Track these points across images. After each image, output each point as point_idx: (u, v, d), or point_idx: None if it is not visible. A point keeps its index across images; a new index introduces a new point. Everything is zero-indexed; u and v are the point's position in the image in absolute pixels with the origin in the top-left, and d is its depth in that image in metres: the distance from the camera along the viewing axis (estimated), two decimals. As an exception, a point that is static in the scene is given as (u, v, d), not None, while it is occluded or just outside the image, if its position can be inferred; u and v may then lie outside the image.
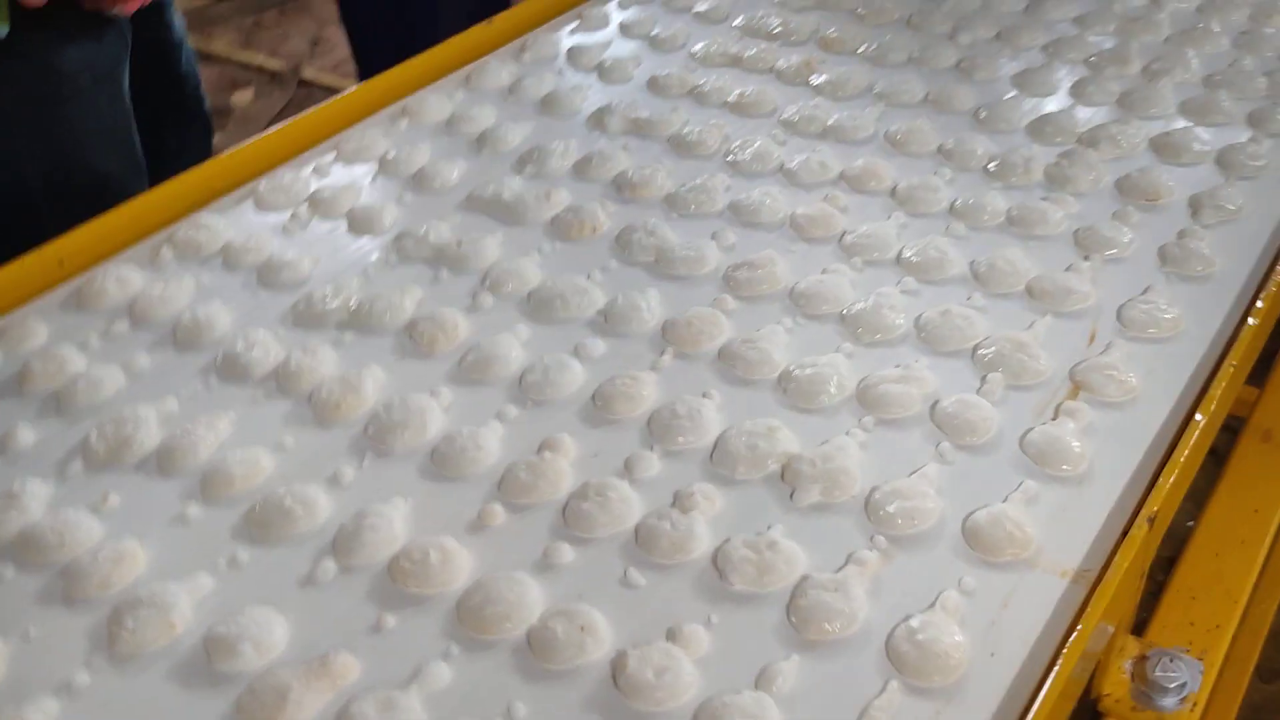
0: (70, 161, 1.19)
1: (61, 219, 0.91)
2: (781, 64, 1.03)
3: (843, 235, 0.80)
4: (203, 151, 1.35)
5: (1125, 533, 0.55)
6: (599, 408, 0.67)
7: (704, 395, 0.67)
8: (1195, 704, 0.58)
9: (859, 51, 1.05)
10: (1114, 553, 0.54)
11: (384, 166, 0.92)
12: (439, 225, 0.83)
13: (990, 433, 0.64)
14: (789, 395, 0.67)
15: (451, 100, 1.01)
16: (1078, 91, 0.97)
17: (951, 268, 0.76)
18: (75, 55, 1.17)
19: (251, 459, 0.64)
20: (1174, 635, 0.62)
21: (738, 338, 0.71)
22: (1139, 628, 0.64)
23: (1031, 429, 0.64)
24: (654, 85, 1.02)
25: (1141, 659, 0.55)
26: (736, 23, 1.12)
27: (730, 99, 0.98)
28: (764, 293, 0.75)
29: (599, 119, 0.96)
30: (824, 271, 0.77)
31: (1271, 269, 0.74)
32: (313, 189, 0.90)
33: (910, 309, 0.73)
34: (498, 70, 1.05)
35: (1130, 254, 0.77)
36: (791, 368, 0.68)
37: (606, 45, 1.09)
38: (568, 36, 1.12)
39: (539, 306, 0.75)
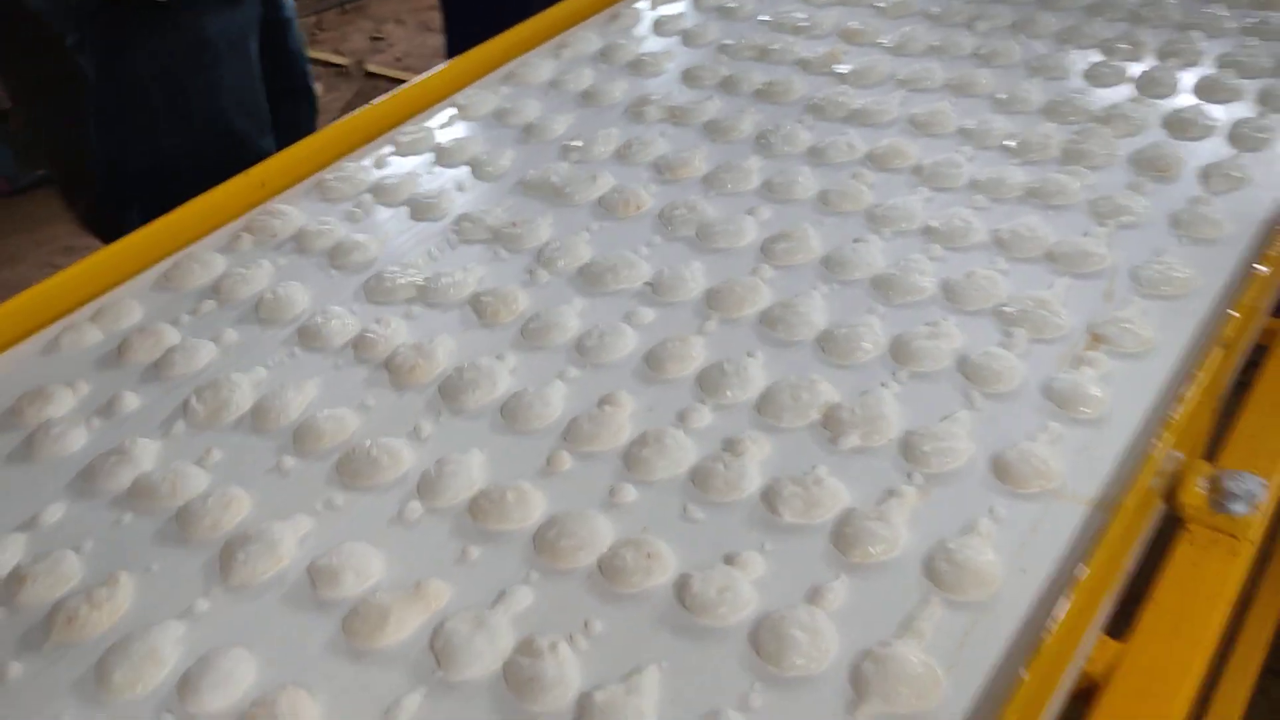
0: (206, 125, 1.29)
1: (196, 181, 0.97)
2: (806, 54, 1.09)
3: (871, 209, 0.86)
4: (309, 124, 1.45)
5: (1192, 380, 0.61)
6: (652, 368, 0.73)
7: (748, 355, 0.73)
8: (1262, 511, 0.63)
9: (880, 42, 1.11)
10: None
11: (440, 155, 0.99)
12: (495, 209, 0.90)
13: (1015, 381, 0.69)
14: (827, 353, 0.73)
15: (497, 94, 1.08)
16: (1092, 75, 1.02)
17: (975, 235, 0.82)
18: (216, 22, 1.26)
19: (338, 416, 0.70)
20: (1240, 463, 0.66)
21: (777, 303, 0.77)
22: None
23: (1054, 378, 0.69)
24: (687, 76, 1.08)
25: (1214, 476, 0.62)
26: (763, 18, 1.18)
27: (759, 86, 1.04)
28: (799, 261, 0.81)
29: (638, 109, 1.03)
30: (855, 241, 0.82)
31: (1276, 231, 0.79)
32: (374, 178, 0.96)
33: (937, 273, 0.78)
34: (538, 66, 1.11)
35: (1144, 220, 0.83)
36: (828, 328, 0.74)
37: (641, 40, 1.16)
38: (599, 36, 1.18)
39: (591, 280, 0.81)
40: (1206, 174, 0.87)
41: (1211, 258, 0.78)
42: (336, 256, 0.87)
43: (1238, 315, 0.70)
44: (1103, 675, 0.54)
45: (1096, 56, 1.06)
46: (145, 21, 1.21)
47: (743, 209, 0.87)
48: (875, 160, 0.92)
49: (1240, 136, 0.91)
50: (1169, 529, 0.62)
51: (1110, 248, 0.79)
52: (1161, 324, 0.73)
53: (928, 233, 0.83)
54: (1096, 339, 0.72)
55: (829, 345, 0.73)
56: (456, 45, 1.57)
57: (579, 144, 0.98)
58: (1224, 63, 1.02)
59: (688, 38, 1.16)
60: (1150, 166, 0.88)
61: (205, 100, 1.27)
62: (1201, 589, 0.57)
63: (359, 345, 0.77)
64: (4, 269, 1.83)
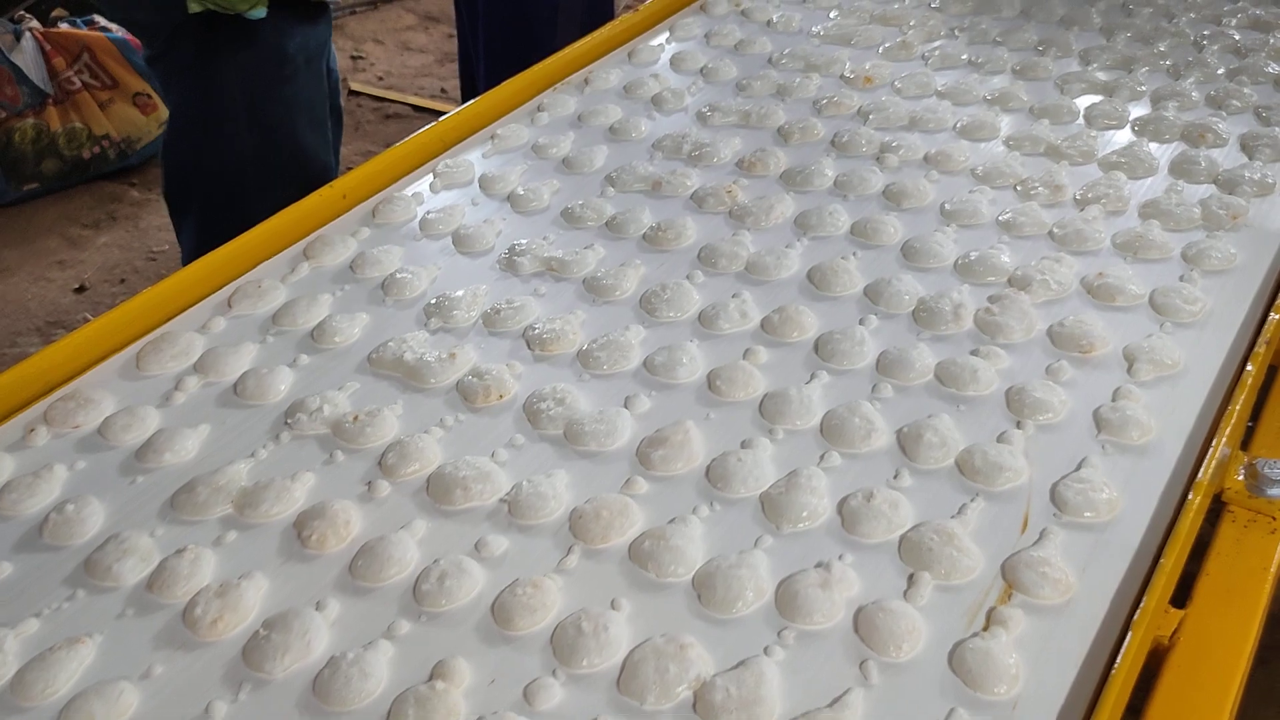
0: (278, 138, 1.34)
1: (265, 194, 1.02)
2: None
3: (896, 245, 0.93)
4: (339, 141, 1.50)
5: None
6: (714, 391, 0.77)
7: (806, 382, 0.77)
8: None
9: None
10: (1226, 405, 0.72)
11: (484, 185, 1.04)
12: (541, 241, 0.94)
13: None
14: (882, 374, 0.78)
15: (529, 129, 1.13)
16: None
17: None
18: (297, 38, 1.31)
19: (421, 441, 0.74)
20: (1272, 451, 0.74)
21: (826, 332, 0.82)
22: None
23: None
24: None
25: (1251, 464, 0.70)
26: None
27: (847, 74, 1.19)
28: (843, 293, 0.87)
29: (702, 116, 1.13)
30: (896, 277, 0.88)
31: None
32: (419, 213, 1.01)
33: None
34: (566, 101, 1.18)
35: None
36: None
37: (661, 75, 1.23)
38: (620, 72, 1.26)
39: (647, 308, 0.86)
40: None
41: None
42: (390, 287, 0.90)
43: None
44: (1170, 639, 0.59)
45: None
46: (231, 36, 1.25)
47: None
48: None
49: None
50: (1214, 509, 0.68)
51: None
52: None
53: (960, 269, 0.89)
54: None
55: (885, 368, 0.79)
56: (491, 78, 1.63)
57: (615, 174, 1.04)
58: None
59: (707, 74, 1.23)
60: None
61: (281, 113, 1.32)
62: (1246, 563, 0.63)
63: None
64: None
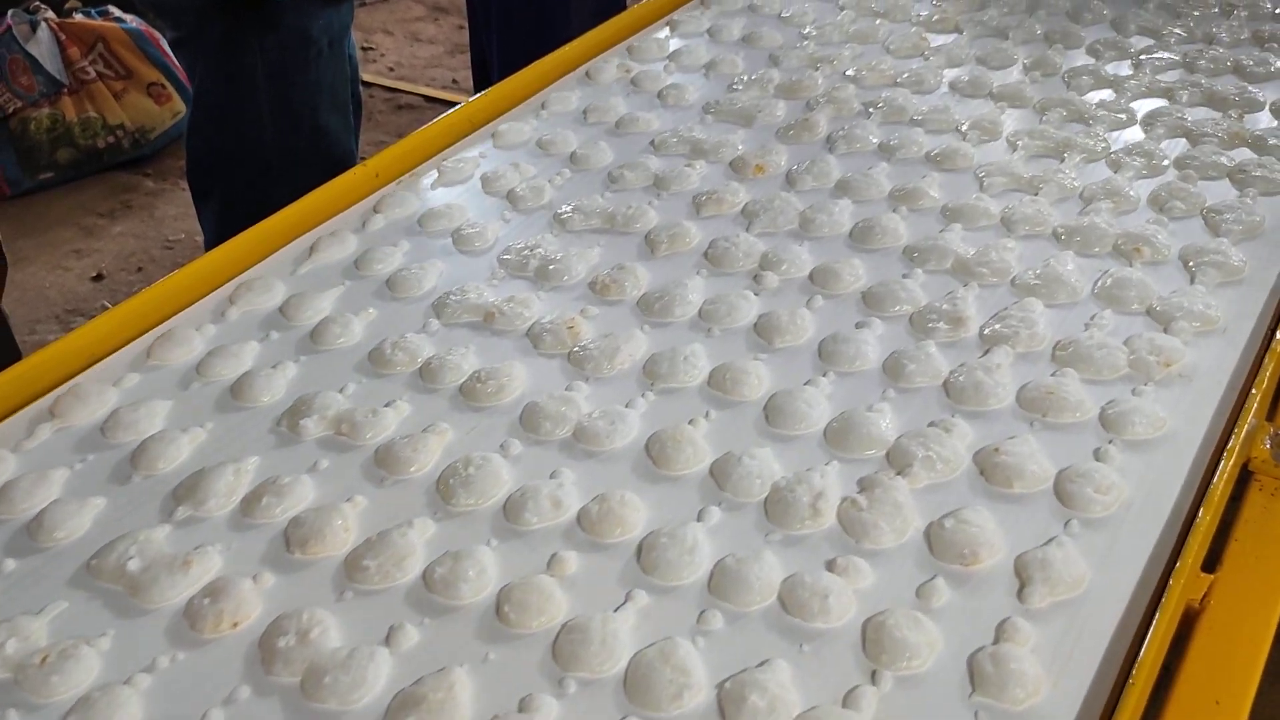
0: (301, 122, 1.35)
1: (288, 177, 1.04)
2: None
3: (904, 246, 0.92)
4: (358, 127, 1.51)
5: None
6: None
7: (806, 383, 0.78)
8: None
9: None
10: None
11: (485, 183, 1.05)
12: (546, 238, 0.94)
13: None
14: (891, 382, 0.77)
15: (530, 124, 1.13)
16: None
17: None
18: (320, 20, 1.32)
19: (424, 439, 0.74)
20: None
21: (829, 336, 0.82)
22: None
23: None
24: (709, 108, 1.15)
25: (1276, 434, 0.71)
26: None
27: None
28: (842, 291, 0.87)
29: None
30: (903, 276, 0.88)
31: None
32: (421, 208, 1.01)
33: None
34: (568, 97, 1.18)
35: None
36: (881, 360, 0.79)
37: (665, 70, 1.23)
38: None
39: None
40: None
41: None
42: (395, 284, 0.91)
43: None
44: (1200, 602, 0.61)
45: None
46: (255, 19, 1.27)
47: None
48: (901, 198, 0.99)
49: None
50: (1241, 479, 0.69)
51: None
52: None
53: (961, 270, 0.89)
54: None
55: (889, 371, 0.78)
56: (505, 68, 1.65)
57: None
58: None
59: (710, 69, 1.23)
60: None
61: (304, 96, 1.33)
62: (1274, 528, 0.65)
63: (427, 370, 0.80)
64: (14, 270, 1.85)
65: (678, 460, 0.72)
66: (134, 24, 2.53)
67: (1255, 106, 1.10)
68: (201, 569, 0.66)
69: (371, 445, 0.75)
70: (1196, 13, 1.30)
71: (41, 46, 2.43)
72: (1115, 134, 1.07)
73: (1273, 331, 0.81)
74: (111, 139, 2.51)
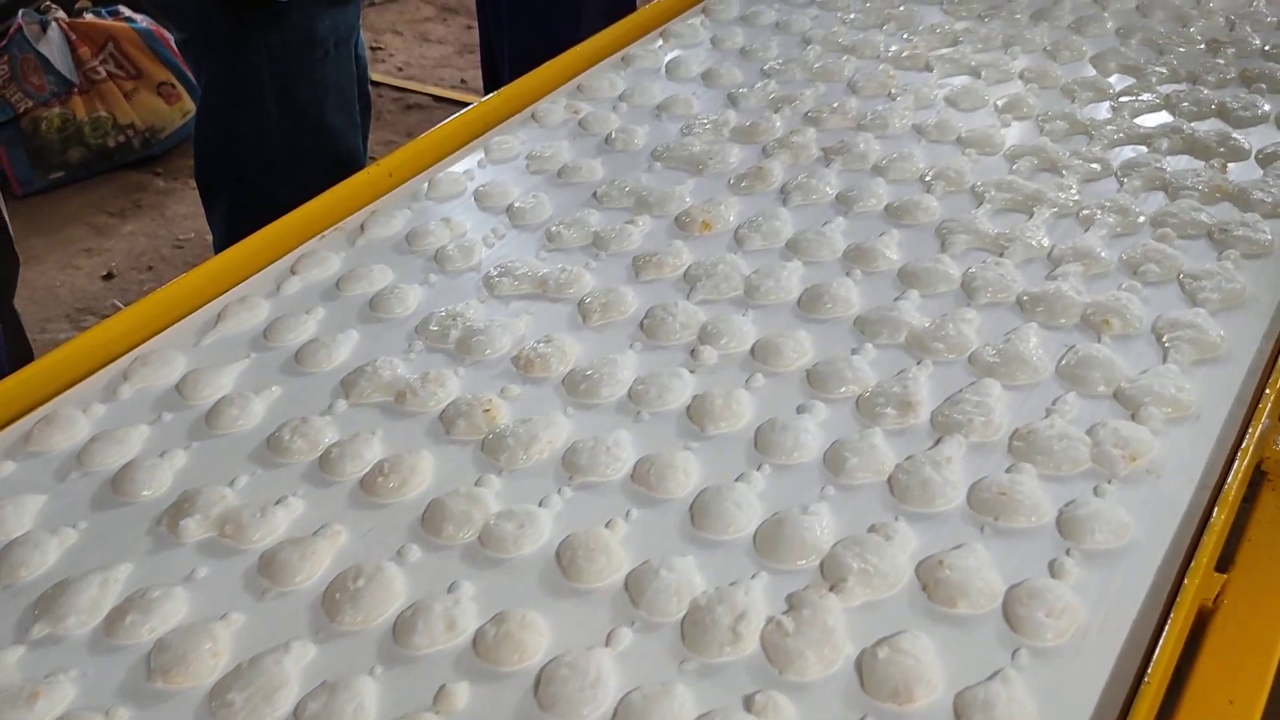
0: (308, 120, 1.37)
1: (294, 176, 1.06)
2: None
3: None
4: (368, 128, 1.54)
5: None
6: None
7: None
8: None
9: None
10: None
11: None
12: (471, 305, 0.88)
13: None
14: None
15: (517, 138, 1.11)
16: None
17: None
18: (326, 20, 1.33)
19: (313, 544, 0.67)
20: None
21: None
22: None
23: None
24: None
25: None
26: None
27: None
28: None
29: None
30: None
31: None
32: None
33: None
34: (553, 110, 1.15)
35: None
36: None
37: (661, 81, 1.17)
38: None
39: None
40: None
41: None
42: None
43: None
44: (1214, 601, 0.62)
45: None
46: (261, 19, 1.28)
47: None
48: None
49: None
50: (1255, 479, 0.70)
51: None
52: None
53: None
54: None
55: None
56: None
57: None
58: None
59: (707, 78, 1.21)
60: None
61: (310, 96, 1.34)
62: None
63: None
64: (26, 269, 1.86)
65: (589, 572, 0.65)
66: (144, 24, 2.55)
67: (1240, 155, 1.03)
68: (49, 702, 0.59)
69: (257, 549, 0.68)
70: (1181, 49, 1.23)
71: (52, 46, 2.45)
72: (1090, 185, 1.00)
73: (1251, 418, 0.74)
74: (122, 138, 2.51)
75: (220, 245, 1.44)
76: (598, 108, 1.17)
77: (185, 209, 2.42)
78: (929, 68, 1.22)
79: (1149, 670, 0.56)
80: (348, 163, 1.25)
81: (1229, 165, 1.02)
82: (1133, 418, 0.74)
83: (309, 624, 0.63)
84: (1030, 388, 0.78)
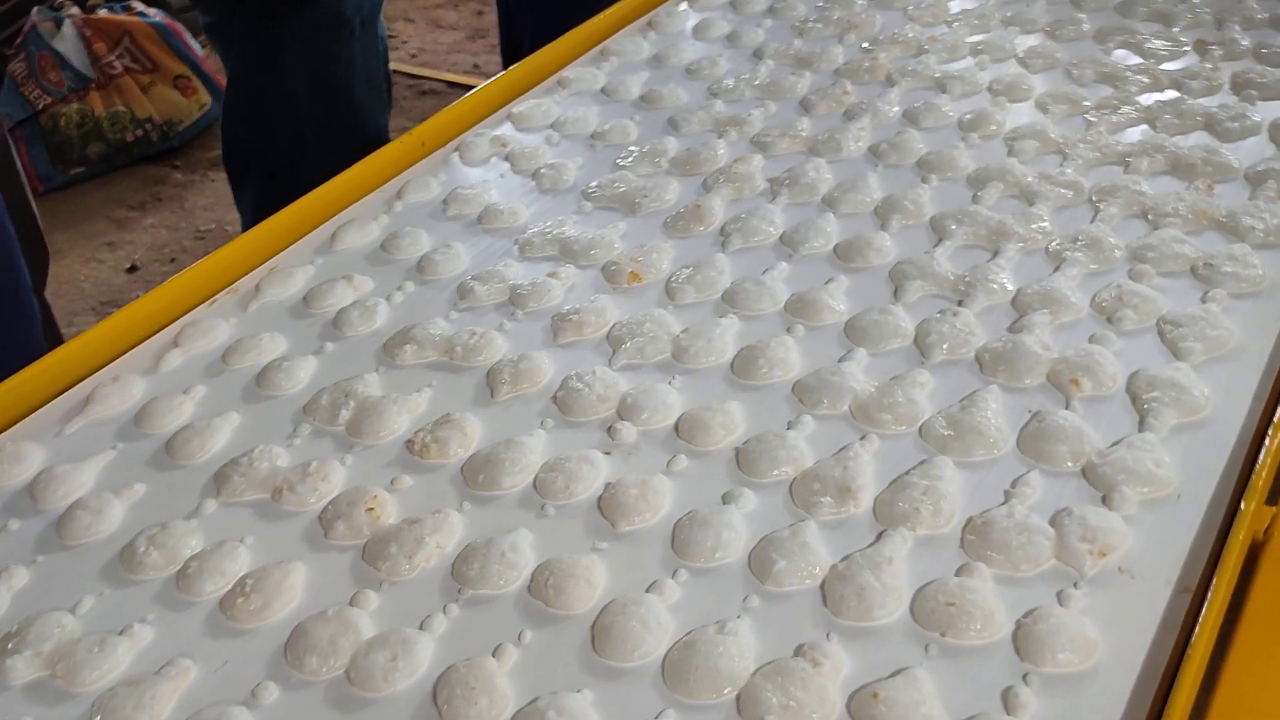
0: (337, 100, 1.39)
1: (324, 156, 1.06)
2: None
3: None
4: (389, 110, 1.54)
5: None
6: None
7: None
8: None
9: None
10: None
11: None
12: (367, 380, 0.79)
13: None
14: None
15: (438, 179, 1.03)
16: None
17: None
18: (353, 1, 1.35)
19: (155, 686, 0.58)
20: None
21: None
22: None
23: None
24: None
25: None
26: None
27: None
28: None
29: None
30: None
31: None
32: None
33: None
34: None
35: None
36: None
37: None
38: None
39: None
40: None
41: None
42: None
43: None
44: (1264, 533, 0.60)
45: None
46: (287, 1, 1.29)
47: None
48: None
49: None
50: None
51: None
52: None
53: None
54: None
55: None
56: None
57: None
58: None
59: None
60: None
61: (339, 75, 1.35)
62: None
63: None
64: (50, 263, 1.86)
65: (468, 716, 0.56)
66: (158, 18, 2.59)
67: (1228, 174, 0.93)
68: None
69: (91, 693, 0.59)
70: (1165, 53, 1.13)
71: (67, 43, 2.50)
72: (1061, 212, 0.91)
73: (1240, 497, 0.64)
74: (140, 132, 2.55)
75: (248, 229, 1.43)
76: (528, 136, 1.08)
77: (205, 200, 2.46)
78: (891, 81, 1.12)
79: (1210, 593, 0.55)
80: (377, 141, 1.26)
81: (1215, 186, 0.92)
82: (1104, 500, 0.65)
83: (141, 790, 0.54)
84: (988, 465, 0.68)
